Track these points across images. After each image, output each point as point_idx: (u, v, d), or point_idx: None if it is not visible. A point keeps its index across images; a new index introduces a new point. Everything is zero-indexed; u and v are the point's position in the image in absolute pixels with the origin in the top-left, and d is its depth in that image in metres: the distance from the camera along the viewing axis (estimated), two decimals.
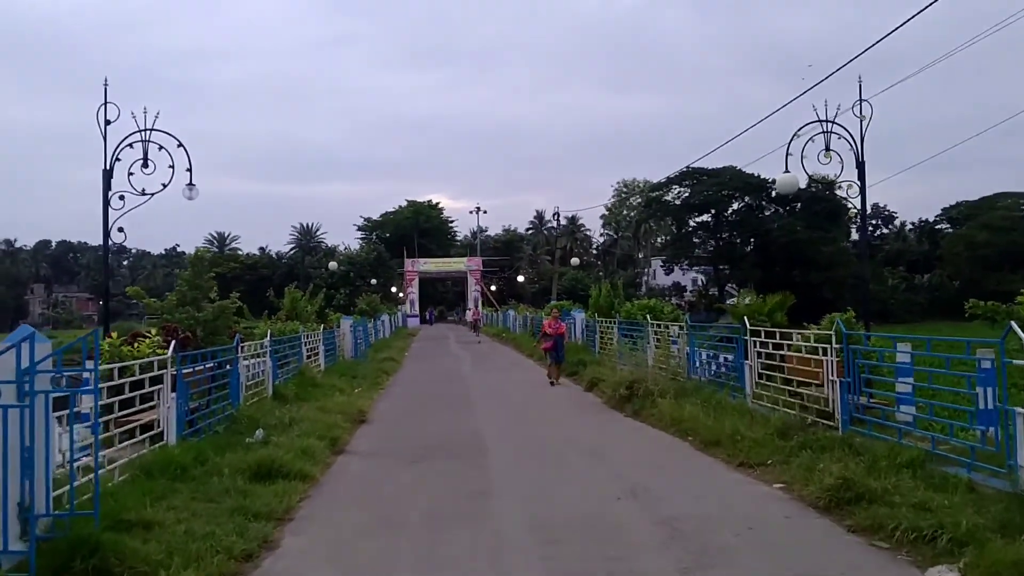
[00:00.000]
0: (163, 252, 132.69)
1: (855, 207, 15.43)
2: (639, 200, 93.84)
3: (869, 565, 6.25)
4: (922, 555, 6.26)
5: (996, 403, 7.76)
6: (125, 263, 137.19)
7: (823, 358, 10.95)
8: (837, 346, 10.61)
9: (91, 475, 6.88)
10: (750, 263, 71.54)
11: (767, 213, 74.99)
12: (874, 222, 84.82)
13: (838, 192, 64.14)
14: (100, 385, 8.75)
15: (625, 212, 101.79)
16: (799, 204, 72.20)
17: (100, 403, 8.80)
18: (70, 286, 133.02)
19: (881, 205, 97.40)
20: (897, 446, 8.88)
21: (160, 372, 9.91)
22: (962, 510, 6.60)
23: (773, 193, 73.04)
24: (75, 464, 7.14)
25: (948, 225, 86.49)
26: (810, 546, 6.77)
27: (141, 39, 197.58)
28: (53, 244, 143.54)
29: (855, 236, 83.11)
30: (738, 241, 76.19)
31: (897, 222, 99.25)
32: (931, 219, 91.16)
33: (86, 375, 9.18)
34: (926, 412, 9.60)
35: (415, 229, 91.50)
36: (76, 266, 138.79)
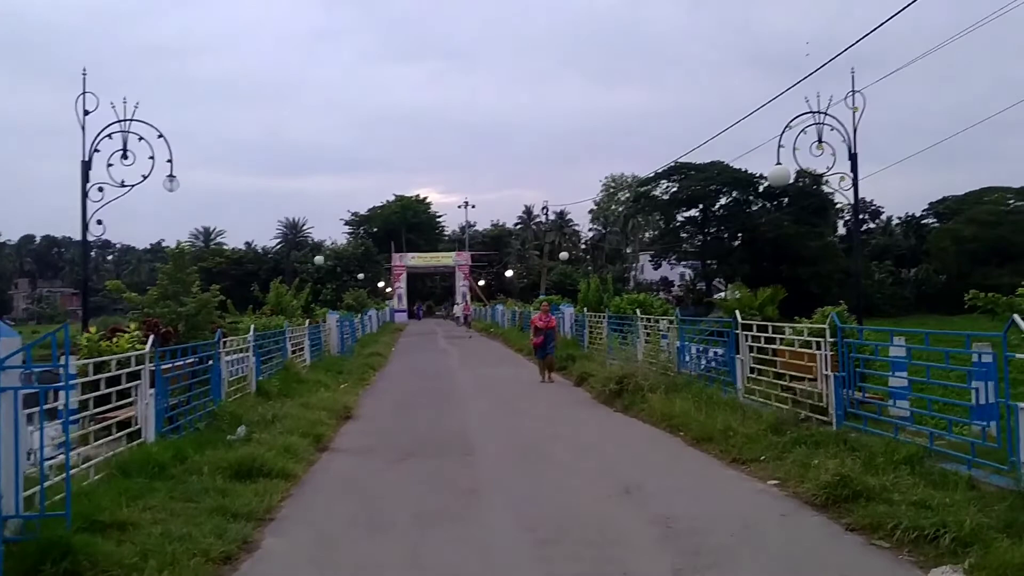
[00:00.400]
0: (148, 247, 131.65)
1: (847, 200, 15.24)
2: (627, 195, 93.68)
3: (870, 566, 6.06)
4: (924, 555, 6.06)
5: (998, 397, 7.56)
6: (110, 258, 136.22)
7: (817, 352, 10.77)
8: (831, 340, 10.43)
9: (65, 475, 6.60)
10: (738, 258, 71.68)
11: (755, 208, 75.16)
12: (861, 216, 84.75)
13: (825, 188, 64.23)
14: (75, 381, 8.52)
15: (613, 207, 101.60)
16: (787, 199, 72.33)
17: (76, 400, 8.59)
18: (55, 281, 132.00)
19: (867, 199, 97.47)
20: (894, 442, 8.70)
21: (138, 368, 9.64)
22: (965, 508, 6.41)
23: (760, 188, 73.24)
24: (48, 463, 6.90)
25: (934, 220, 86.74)
26: (808, 546, 6.57)
27: (127, 34, 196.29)
28: (37, 239, 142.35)
29: (842, 231, 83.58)
30: (726, 236, 76.34)
31: (883, 216, 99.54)
32: (917, 214, 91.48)
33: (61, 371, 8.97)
34: (924, 407, 9.40)
35: (403, 224, 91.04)
36: (60, 261, 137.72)
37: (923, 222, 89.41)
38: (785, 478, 8.59)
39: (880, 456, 8.27)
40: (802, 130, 14.69)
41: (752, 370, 12.91)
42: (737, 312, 13.51)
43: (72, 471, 7.45)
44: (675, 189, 75.36)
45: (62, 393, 7.22)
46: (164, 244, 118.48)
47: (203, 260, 77.88)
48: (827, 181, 15.08)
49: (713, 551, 6.37)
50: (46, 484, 6.48)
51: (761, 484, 8.68)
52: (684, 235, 79.36)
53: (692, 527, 7.02)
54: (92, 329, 12.11)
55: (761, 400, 12.14)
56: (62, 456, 7.01)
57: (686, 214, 78.17)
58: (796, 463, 8.75)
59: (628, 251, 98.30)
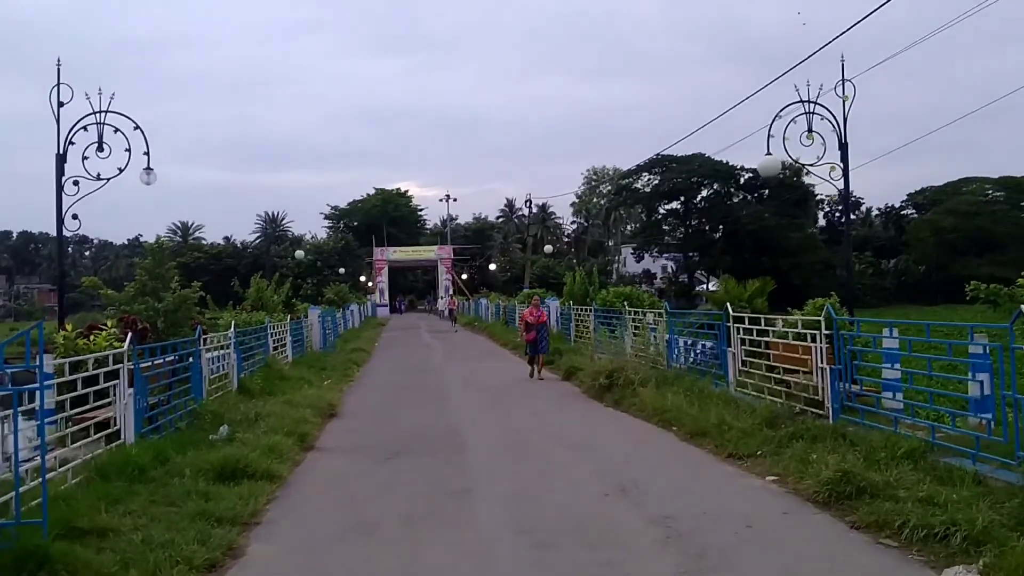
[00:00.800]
0: (126, 242, 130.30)
1: (837, 189, 15.10)
2: (609, 188, 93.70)
3: (880, 566, 5.86)
4: (935, 555, 5.87)
5: (1002, 390, 7.38)
6: (87, 254, 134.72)
7: (812, 344, 10.57)
8: (827, 332, 10.24)
9: (41, 479, 6.29)
10: (719, 250, 71.74)
11: (736, 200, 75.21)
12: (840, 208, 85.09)
13: (806, 180, 64.03)
14: (51, 382, 8.21)
15: (595, 200, 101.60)
16: (767, 191, 72.51)
17: (52, 400, 8.28)
18: (32, 277, 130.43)
19: (848, 191, 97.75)
20: (894, 436, 8.50)
21: (116, 366, 9.31)
22: (974, 505, 6.21)
23: (742, 180, 73.38)
24: (24, 467, 6.62)
25: (913, 211, 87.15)
26: (814, 546, 6.35)
27: (102, 27, 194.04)
28: (14, 235, 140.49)
29: (822, 222, 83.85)
30: (707, 228, 76.40)
31: (863, 208, 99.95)
32: (897, 205, 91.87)
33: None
34: (923, 400, 9.24)
35: (384, 218, 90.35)
36: (38, 257, 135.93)
37: (902, 213, 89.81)
38: (784, 474, 8.41)
39: (881, 451, 8.07)
40: (792, 119, 14.51)
41: (744, 363, 12.73)
42: (728, 305, 13.32)
43: (49, 475, 7.18)
44: (657, 182, 75.33)
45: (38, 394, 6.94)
46: (142, 239, 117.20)
47: (181, 255, 77.12)
48: (809, 172, 14.90)
49: (717, 552, 6.15)
50: (22, 489, 6.22)
51: (759, 480, 8.49)
52: (666, 227, 79.39)
53: (693, 527, 6.81)
54: (69, 327, 11.79)
55: (753, 393, 11.96)
56: (38, 460, 6.73)
57: (668, 206, 78.22)
58: (794, 458, 8.57)
59: (610, 244, 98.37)
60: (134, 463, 8.33)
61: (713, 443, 10.25)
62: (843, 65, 14.13)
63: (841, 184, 14.76)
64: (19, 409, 6.30)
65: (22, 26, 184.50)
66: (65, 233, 14.33)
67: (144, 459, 8.52)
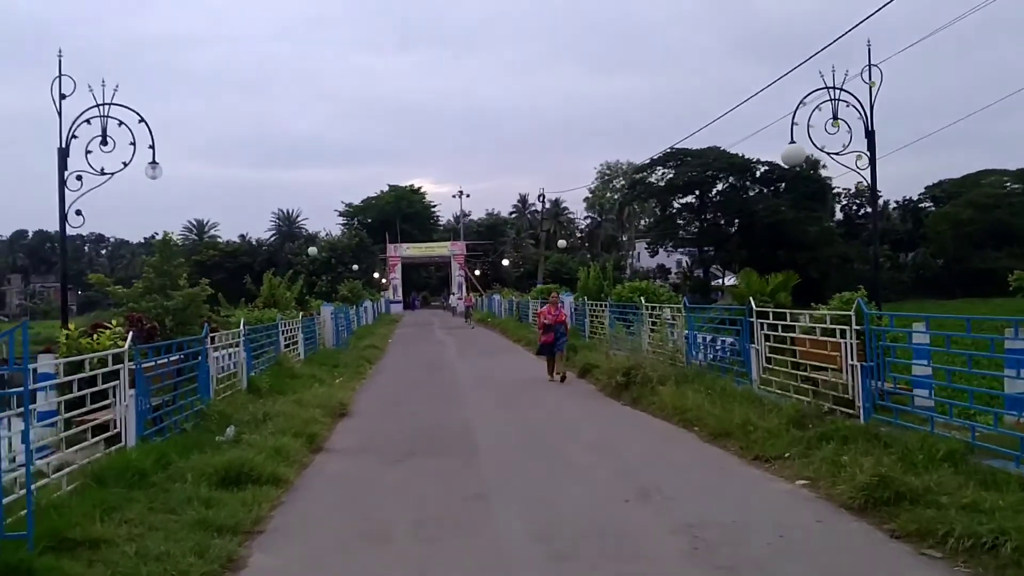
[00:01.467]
0: (142, 241, 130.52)
1: (863, 178, 14.57)
2: (623, 182, 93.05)
3: None
4: (983, 566, 5.44)
5: None
6: (104, 252, 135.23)
7: (842, 341, 10.10)
8: (858, 327, 9.77)
9: (27, 490, 5.94)
10: (735, 244, 71.07)
11: (751, 193, 74.45)
12: (858, 201, 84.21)
13: (824, 171, 63.25)
14: (45, 383, 7.92)
15: (609, 194, 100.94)
16: (784, 184, 71.77)
17: (51, 403, 7.97)
18: (47, 276, 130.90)
19: (867, 184, 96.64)
20: (931, 436, 8.04)
21: (116, 367, 8.95)
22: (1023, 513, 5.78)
23: (757, 173, 72.62)
24: (12, 475, 6.29)
25: (931, 203, 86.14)
26: (853, 556, 5.92)
27: (116, 25, 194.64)
28: (30, 234, 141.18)
29: (839, 216, 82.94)
30: (722, 222, 75.68)
31: (881, 201, 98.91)
32: (914, 197, 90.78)
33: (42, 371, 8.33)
34: (960, 398, 8.77)
35: (397, 214, 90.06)
36: (53, 256, 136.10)
37: (920, 206, 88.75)
38: (815, 477, 7.96)
39: (918, 452, 7.60)
40: (817, 106, 13.99)
41: (768, 360, 12.27)
42: (751, 299, 12.86)
43: (42, 482, 6.87)
44: (671, 175, 74.67)
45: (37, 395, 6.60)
46: (158, 237, 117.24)
47: (197, 253, 77.24)
48: (825, 166, 14.48)
49: (749, 565, 5.73)
50: (11, 499, 5.89)
51: (789, 484, 8.05)
52: (680, 222, 78.65)
53: (722, 536, 6.38)
54: (72, 326, 11.48)
55: (778, 392, 11.48)
56: (33, 465, 6.38)
57: (682, 200, 77.50)
58: (826, 461, 8.10)
59: (624, 239, 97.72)
60: (134, 468, 7.94)
61: (738, 444, 9.81)
62: (869, 49, 13.59)
63: (867, 173, 14.22)
64: (5, 414, 5.99)
65: (37, 26, 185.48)
66: (69, 231, 13.99)
67: (145, 463, 8.13)
